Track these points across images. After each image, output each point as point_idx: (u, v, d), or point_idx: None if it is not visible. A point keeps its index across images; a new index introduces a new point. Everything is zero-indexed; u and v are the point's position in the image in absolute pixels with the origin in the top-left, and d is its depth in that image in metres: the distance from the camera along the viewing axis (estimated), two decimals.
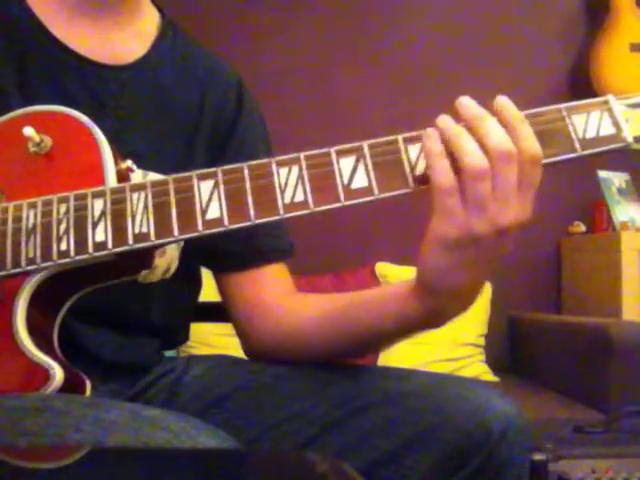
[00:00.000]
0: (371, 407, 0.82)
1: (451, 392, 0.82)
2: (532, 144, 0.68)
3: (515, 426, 0.79)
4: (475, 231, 0.68)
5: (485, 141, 0.67)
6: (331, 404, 0.84)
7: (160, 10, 1.00)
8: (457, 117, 0.70)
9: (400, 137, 0.70)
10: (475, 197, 0.67)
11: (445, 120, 0.70)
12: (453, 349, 2.44)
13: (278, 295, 0.96)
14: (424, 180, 0.69)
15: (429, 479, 0.79)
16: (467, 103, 0.69)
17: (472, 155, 0.67)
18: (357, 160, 0.70)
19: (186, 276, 0.94)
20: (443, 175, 0.68)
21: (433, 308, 0.76)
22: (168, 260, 0.86)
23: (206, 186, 0.71)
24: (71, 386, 0.72)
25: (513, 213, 0.68)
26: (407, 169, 0.69)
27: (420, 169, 0.69)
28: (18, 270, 0.72)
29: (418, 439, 0.79)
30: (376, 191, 0.69)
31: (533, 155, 0.68)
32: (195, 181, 0.71)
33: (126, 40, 0.93)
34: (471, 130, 0.68)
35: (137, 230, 0.71)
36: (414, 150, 0.70)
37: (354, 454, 0.80)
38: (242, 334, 0.99)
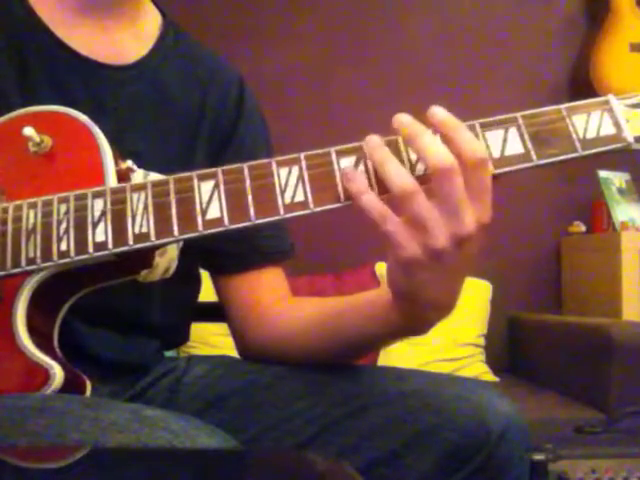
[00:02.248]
0: (371, 407, 0.82)
1: (451, 392, 0.82)
2: (472, 147, 0.66)
3: (515, 426, 0.79)
4: (433, 248, 0.66)
5: (423, 158, 0.66)
6: (331, 404, 0.84)
7: (161, 11, 1.00)
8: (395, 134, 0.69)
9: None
10: (415, 217, 0.66)
11: (371, 143, 0.68)
12: (453, 349, 2.44)
13: (274, 298, 0.97)
14: (425, 180, 0.69)
15: (429, 479, 0.79)
16: (401, 120, 0.67)
17: (396, 178, 0.66)
18: (357, 160, 0.70)
19: (185, 276, 0.94)
20: (373, 206, 0.67)
21: (412, 316, 0.74)
22: (169, 260, 0.86)
23: (206, 186, 0.71)
24: (71, 386, 0.72)
25: (470, 221, 0.66)
26: (407, 169, 0.69)
27: (420, 169, 0.69)
28: (18, 270, 0.72)
29: (418, 439, 0.79)
30: (376, 191, 0.69)
31: (476, 158, 0.66)
32: (195, 181, 0.71)
33: (127, 40, 0.94)
34: (410, 146, 0.67)
35: (137, 230, 0.71)
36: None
37: (354, 454, 0.80)
38: (237, 335, 0.99)
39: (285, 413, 0.85)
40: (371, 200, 0.67)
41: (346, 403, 0.83)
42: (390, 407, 0.82)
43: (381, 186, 0.69)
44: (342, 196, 0.69)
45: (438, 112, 0.67)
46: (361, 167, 0.69)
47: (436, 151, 0.65)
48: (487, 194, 0.67)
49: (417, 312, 0.74)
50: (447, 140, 0.66)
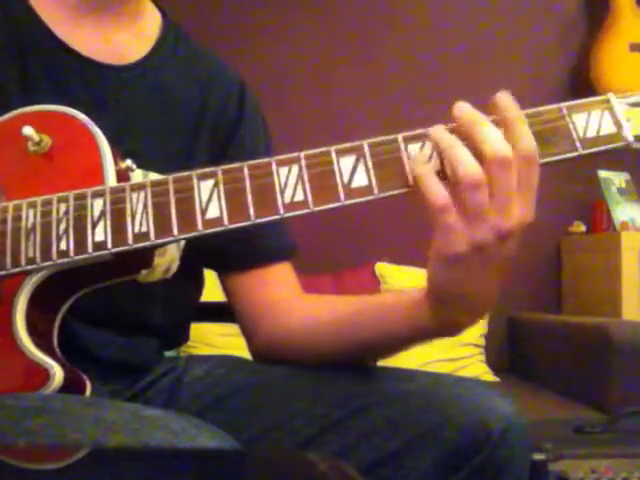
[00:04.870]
0: (371, 407, 0.82)
1: (451, 392, 0.82)
2: (530, 145, 0.67)
3: (515, 426, 0.79)
4: (478, 241, 0.66)
5: (482, 148, 0.66)
6: (331, 404, 0.84)
7: (162, 11, 1.00)
8: (454, 121, 0.68)
9: (400, 136, 0.70)
10: (474, 208, 0.66)
11: (438, 131, 0.68)
12: (453, 349, 2.44)
13: (284, 295, 0.96)
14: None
15: (429, 479, 0.79)
16: (463, 108, 0.68)
17: (466, 165, 0.65)
18: (357, 159, 0.69)
19: (187, 276, 0.94)
20: (436, 193, 0.66)
21: (446, 318, 0.75)
22: (168, 260, 0.86)
23: (206, 186, 0.70)
24: (71, 386, 0.72)
25: (515, 217, 0.66)
26: (407, 168, 0.69)
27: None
28: (18, 270, 0.72)
29: (418, 439, 0.79)
30: (376, 190, 0.69)
31: (531, 156, 0.67)
32: (195, 181, 0.71)
33: (128, 40, 0.93)
34: (467, 136, 0.67)
35: (137, 230, 0.70)
36: (414, 149, 0.70)
37: (354, 454, 0.80)
38: (248, 334, 0.99)
39: (285, 413, 0.85)
40: (436, 185, 0.66)
41: (347, 403, 0.83)
42: (390, 407, 0.82)
43: (382, 187, 0.69)
44: (342, 195, 0.69)
45: (504, 100, 0.68)
46: (427, 151, 0.68)
47: (497, 140, 0.65)
48: (533, 192, 0.68)
49: (452, 314, 0.74)
50: (505, 132, 0.67)
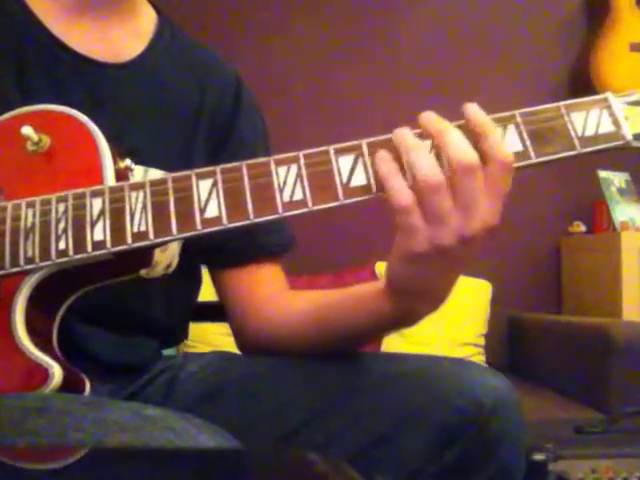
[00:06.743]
0: (363, 389, 0.82)
1: (442, 370, 0.82)
2: (501, 151, 0.67)
3: (506, 400, 0.78)
4: (440, 244, 0.67)
5: (447, 153, 0.66)
6: (323, 388, 0.84)
7: (157, 9, 1.00)
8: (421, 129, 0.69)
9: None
10: (434, 211, 0.66)
11: (400, 134, 0.69)
12: (453, 349, 2.44)
13: (272, 292, 0.97)
14: None
15: (422, 456, 0.78)
16: (429, 116, 0.68)
17: (423, 169, 0.66)
18: (356, 158, 0.70)
19: (186, 273, 0.95)
20: (399, 194, 0.67)
21: (403, 309, 0.76)
22: (170, 256, 0.87)
23: (205, 185, 0.70)
24: (70, 385, 0.72)
25: (479, 221, 0.67)
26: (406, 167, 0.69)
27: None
28: (17, 269, 0.72)
29: (410, 418, 0.79)
30: (375, 189, 0.69)
31: (503, 161, 0.67)
32: (194, 180, 0.71)
33: (124, 38, 0.94)
34: (434, 144, 0.68)
35: (136, 229, 0.70)
36: None
37: (347, 436, 0.80)
38: (236, 329, 1.00)
39: (277, 401, 0.85)
40: (400, 186, 0.67)
41: (338, 387, 0.83)
42: (382, 388, 0.82)
43: (381, 186, 0.69)
44: (341, 195, 0.69)
45: (472, 107, 0.68)
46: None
47: (462, 146, 0.66)
48: (501, 197, 0.68)
49: (411, 305, 0.75)
50: (476, 137, 0.67)
